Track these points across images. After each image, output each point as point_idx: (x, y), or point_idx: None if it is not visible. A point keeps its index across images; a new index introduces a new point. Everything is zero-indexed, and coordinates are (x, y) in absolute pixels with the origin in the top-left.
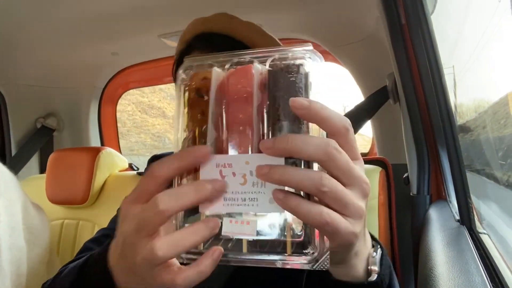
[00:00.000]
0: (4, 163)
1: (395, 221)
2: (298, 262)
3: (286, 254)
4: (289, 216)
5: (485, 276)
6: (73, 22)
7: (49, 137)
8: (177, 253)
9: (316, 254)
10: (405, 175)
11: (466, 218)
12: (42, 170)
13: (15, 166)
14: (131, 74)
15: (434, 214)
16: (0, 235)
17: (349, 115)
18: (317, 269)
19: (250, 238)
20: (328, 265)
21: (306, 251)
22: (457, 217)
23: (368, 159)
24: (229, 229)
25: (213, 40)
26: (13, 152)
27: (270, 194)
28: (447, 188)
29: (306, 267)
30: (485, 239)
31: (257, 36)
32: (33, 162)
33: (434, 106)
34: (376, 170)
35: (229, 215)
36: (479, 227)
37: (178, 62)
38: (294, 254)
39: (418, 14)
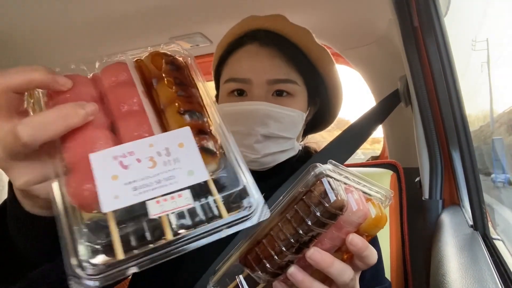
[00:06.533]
0: None
1: (407, 225)
2: (241, 220)
3: (222, 217)
4: (207, 178)
5: (499, 283)
6: (85, 25)
7: None
8: (42, 138)
9: (254, 204)
10: (417, 179)
11: (480, 223)
12: None
13: None
14: None
15: (446, 219)
16: None
17: (361, 119)
18: (261, 220)
19: (189, 207)
20: (268, 214)
21: (243, 206)
22: (470, 223)
23: (379, 163)
24: (159, 210)
25: (269, 38)
26: None
27: (189, 165)
28: (460, 193)
29: (250, 223)
30: (499, 245)
31: (312, 43)
32: None
33: (447, 108)
34: (387, 173)
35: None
36: (493, 233)
37: (226, 54)
38: (232, 213)
39: (431, 16)
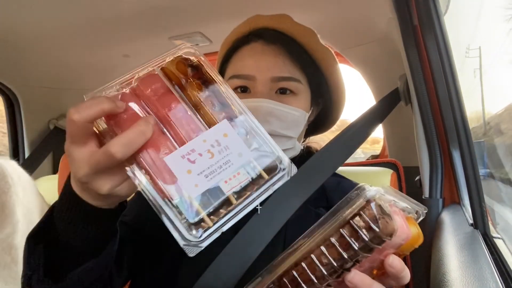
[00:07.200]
0: (18, 164)
1: None
2: (280, 178)
3: (266, 179)
4: (251, 157)
5: (499, 281)
6: (85, 25)
7: (62, 138)
8: (130, 153)
9: (286, 166)
10: (417, 178)
11: (480, 222)
12: (55, 170)
13: (29, 167)
14: None
15: (446, 218)
16: (17, 244)
17: (361, 118)
18: (291, 175)
19: (249, 180)
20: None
21: (278, 168)
22: (471, 221)
23: (379, 162)
24: (229, 187)
25: (274, 36)
26: (27, 154)
27: (237, 149)
28: (461, 192)
29: (286, 178)
30: (500, 243)
31: (317, 44)
32: (46, 162)
33: (447, 107)
34: (387, 172)
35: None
36: (493, 232)
37: (230, 51)
38: (273, 176)
39: (431, 15)
